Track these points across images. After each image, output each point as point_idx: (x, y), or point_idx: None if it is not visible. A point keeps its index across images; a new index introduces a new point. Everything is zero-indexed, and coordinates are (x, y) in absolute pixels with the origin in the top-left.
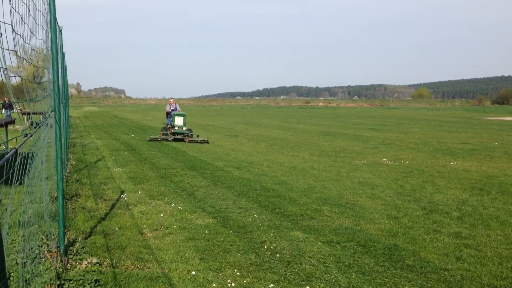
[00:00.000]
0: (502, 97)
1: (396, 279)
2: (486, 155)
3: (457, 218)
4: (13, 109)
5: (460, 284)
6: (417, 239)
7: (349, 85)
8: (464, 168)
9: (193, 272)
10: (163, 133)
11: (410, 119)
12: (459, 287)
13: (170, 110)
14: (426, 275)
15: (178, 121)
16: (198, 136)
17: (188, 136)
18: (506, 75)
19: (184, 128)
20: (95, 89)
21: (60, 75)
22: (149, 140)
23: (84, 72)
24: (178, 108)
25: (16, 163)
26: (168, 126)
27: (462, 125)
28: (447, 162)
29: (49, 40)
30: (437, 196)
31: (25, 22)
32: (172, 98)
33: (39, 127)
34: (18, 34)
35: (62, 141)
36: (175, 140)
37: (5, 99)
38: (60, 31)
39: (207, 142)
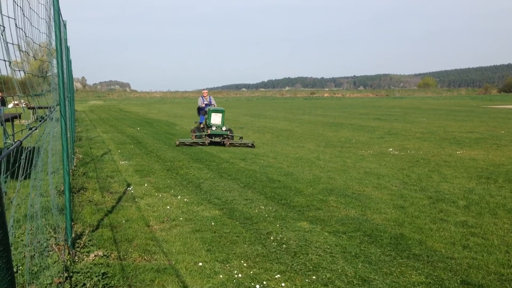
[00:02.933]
0: (508, 85)
1: (402, 268)
2: (492, 143)
3: (464, 207)
4: (5, 105)
5: (466, 272)
6: (424, 228)
7: (354, 76)
8: (470, 157)
9: (200, 264)
10: (195, 135)
11: (416, 108)
12: (465, 276)
13: (204, 105)
14: (433, 264)
15: (216, 119)
16: (240, 138)
17: (228, 138)
18: None
19: (223, 129)
20: (100, 83)
21: (64, 69)
22: (179, 145)
23: (89, 66)
24: (213, 102)
25: (22, 157)
26: (202, 126)
27: (469, 114)
28: (454, 151)
29: (53, 34)
30: (444, 185)
31: (26, 17)
32: (205, 90)
33: (44, 121)
34: (20, 28)
35: (68, 135)
36: (211, 143)
37: None
38: (64, 25)
39: (253, 146)
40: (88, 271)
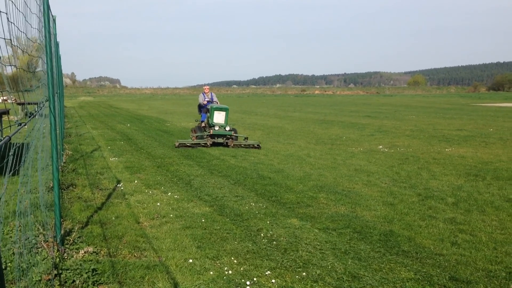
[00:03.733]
0: (497, 83)
1: (391, 264)
2: (481, 141)
3: (452, 204)
4: None
5: (455, 268)
6: (413, 225)
7: (345, 73)
8: (459, 154)
9: (190, 260)
10: (196, 136)
11: (406, 106)
12: (454, 272)
13: (206, 102)
14: (422, 260)
15: (219, 118)
16: (246, 138)
17: (232, 139)
18: (502, 61)
19: (227, 129)
20: (90, 79)
21: (54, 64)
22: (178, 146)
23: (79, 62)
24: (215, 98)
25: (11, 153)
26: (203, 125)
27: (458, 112)
28: (443, 148)
29: (42, 29)
30: (433, 182)
31: (21, 11)
32: (207, 86)
33: (33, 117)
34: (11, 22)
35: (57, 131)
36: (214, 144)
37: None
38: (54, 20)
39: (259, 147)
40: (78, 268)
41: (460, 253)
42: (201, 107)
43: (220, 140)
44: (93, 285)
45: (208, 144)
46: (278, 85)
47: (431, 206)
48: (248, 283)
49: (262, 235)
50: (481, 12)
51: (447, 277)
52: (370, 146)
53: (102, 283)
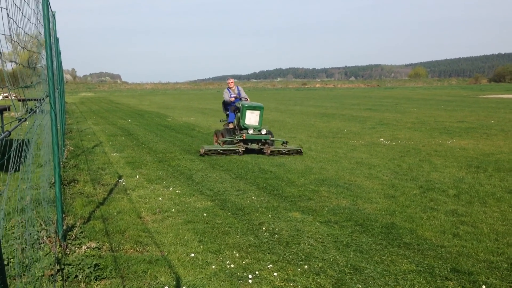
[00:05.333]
0: (498, 75)
1: (393, 256)
2: (482, 133)
3: (454, 196)
4: None
5: (456, 260)
6: (414, 217)
7: (345, 66)
8: (460, 146)
9: (192, 255)
10: (224, 141)
11: (407, 98)
12: (455, 263)
13: (233, 99)
14: (423, 252)
15: (252, 118)
16: (285, 143)
17: (269, 145)
18: (503, 52)
19: (263, 132)
20: (90, 74)
21: (54, 60)
22: (203, 154)
23: (79, 57)
24: (243, 94)
25: (12, 149)
26: (232, 127)
27: (459, 104)
28: (444, 140)
29: (42, 25)
30: (434, 174)
31: (18, 7)
32: (231, 79)
33: (33, 112)
34: (11, 18)
35: (58, 127)
36: (247, 151)
37: None
38: (53, 15)
39: (300, 153)
40: (80, 263)
41: (462, 244)
42: (227, 105)
43: (254, 146)
44: (96, 280)
45: (240, 151)
46: (279, 79)
47: (432, 198)
48: (250, 276)
49: (264, 228)
50: (482, 3)
51: (448, 268)
52: (371, 139)
53: (105, 278)
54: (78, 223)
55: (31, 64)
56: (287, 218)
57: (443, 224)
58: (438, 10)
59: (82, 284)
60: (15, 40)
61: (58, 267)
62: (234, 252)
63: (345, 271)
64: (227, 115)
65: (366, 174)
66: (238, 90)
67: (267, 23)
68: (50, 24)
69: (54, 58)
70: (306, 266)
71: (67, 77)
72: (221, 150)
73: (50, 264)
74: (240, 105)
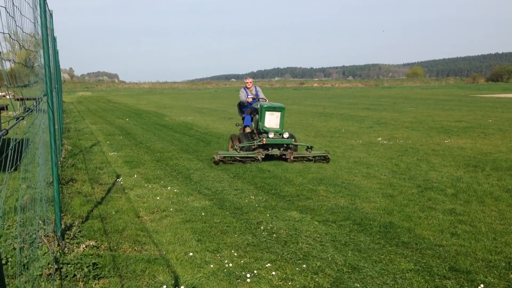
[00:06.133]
0: (496, 74)
1: (391, 255)
2: (480, 132)
3: (452, 195)
4: None
5: (455, 259)
6: (412, 217)
7: (343, 65)
8: (458, 145)
9: (191, 254)
10: (241, 146)
11: (405, 98)
12: (454, 262)
13: (250, 100)
14: (421, 251)
15: (272, 121)
16: (309, 148)
17: (292, 150)
18: (500, 52)
19: (285, 136)
20: (88, 73)
21: (51, 59)
22: (218, 162)
23: (77, 57)
24: (261, 94)
25: (10, 148)
26: (250, 131)
27: (457, 103)
28: (442, 140)
29: (39, 23)
30: (432, 174)
31: (16, 6)
32: (249, 78)
33: (30, 111)
34: (12, 17)
35: (56, 126)
36: (267, 157)
37: None
38: (51, 14)
39: (327, 159)
40: (78, 262)
41: (460, 243)
42: (243, 107)
43: (275, 151)
44: (94, 279)
45: (260, 158)
46: (276, 78)
47: (430, 198)
48: (248, 275)
49: (262, 228)
50: (479, 2)
51: (447, 267)
52: (369, 138)
53: (103, 277)
54: (76, 222)
55: (28, 63)
56: (285, 217)
57: (441, 223)
58: (435, 10)
59: (80, 283)
60: (14, 39)
61: (56, 266)
62: (232, 251)
63: (343, 270)
64: (243, 118)
65: (364, 173)
66: (256, 90)
67: (265, 22)
68: (48, 23)
69: (51, 57)
70: (304, 265)
71: (64, 76)
72: (238, 157)
73: (48, 263)
74: (259, 106)
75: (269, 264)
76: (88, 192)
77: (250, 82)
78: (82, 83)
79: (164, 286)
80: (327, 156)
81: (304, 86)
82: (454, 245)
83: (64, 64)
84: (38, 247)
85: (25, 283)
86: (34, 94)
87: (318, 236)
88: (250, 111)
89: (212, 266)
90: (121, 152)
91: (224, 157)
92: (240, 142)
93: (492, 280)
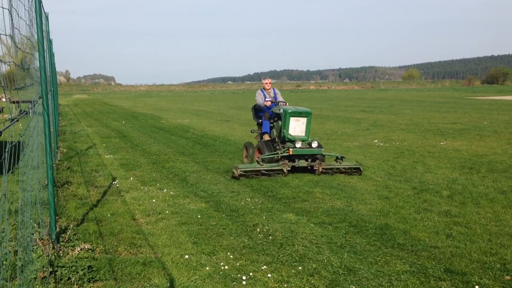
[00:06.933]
0: (491, 76)
1: (387, 257)
2: (475, 134)
3: (447, 197)
4: None
5: (450, 260)
6: (408, 218)
7: (340, 68)
8: (454, 147)
9: (186, 256)
10: (263, 158)
11: (401, 100)
12: (449, 264)
13: (269, 103)
14: (417, 253)
15: (297, 127)
16: (340, 159)
17: (320, 161)
18: (496, 54)
19: (314, 145)
20: (84, 76)
21: (47, 61)
22: (238, 177)
23: (73, 59)
24: (280, 97)
25: (6, 150)
26: (268, 139)
27: (452, 105)
28: (437, 142)
29: (35, 25)
30: (428, 175)
31: (14, 8)
32: (268, 79)
33: (25, 113)
34: (11, 19)
35: (51, 129)
36: (293, 170)
37: None
38: (46, 17)
39: (359, 172)
40: (73, 265)
41: (455, 245)
42: (259, 111)
43: (302, 163)
44: (89, 282)
45: (285, 170)
46: (273, 81)
47: (426, 199)
48: (244, 278)
49: (258, 230)
50: (475, 5)
51: (442, 269)
52: (365, 141)
53: (98, 280)
54: (71, 225)
55: (24, 66)
56: (281, 220)
57: (436, 225)
58: (431, 12)
59: (75, 286)
60: (11, 41)
61: (51, 269)
62: (228, 253)
63: (339, 272)
64: (259, 124)
65: (360, 175)
66: (274, 93)
67: (262, 25)
68: (43, 26)
69: (47, 60)
70: (300, 267)
71: (60, 79)
72: (262, 170)
73: (43, 266)
74: (281, 111)
75: (265, 267)
76: (84, 195)
77: (269, 83)
78: (78, 85)
79: None
80: (359, 167)
81: (300, 89)
82: (449, 247)
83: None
84: (32, 250)
85: (20, 286)
86: (30, 96)
87: (314, 238)
88: (269, 116)
89: (207, 268)
90: (117, 154)
91: (246, 171)
92: (260, 153)
93: (487, 282)
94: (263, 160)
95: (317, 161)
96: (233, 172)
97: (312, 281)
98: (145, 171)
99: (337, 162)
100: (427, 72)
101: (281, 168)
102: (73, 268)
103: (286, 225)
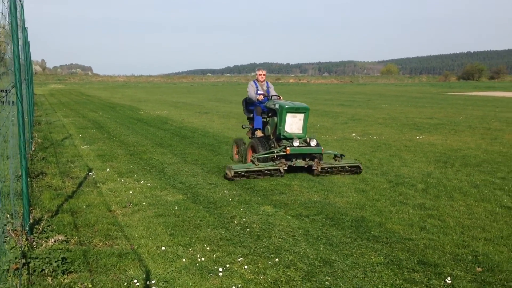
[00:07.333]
0: (467, 72)
1: (362, 249)
2: (450, 129)
3: (422, 190)
4: None
5: (423, 252)
6: (384, 211)
7: (319, 62)
8: (429, 142)
9: (163, 248)
10: (258, 157)
11: (379, 95)
12: (422, 256)
13: (262, 97)
14: (391, 245)
15: (294, 124)
16: (338, 157)
17: (319, 160)
18: (472, 51)
19: (312, 143)
20: (60, 66)
21: (21, 50)
22: (232, 178)
23: (49, 48)
24: (272, 91)
25: None
26: (261, 135)
27: (429, 101)
28: (414, 136)
29: (9, 13)
30: (403, 169)
31: None
32: (263, 70)
33: None
34: None
35: (26, 119)
36: (290, 169)
37: None
38: (21, 5)
39: (359, 170)
40: (47, 257)
41: (429, 237)
42: (250, 105)
43: (300, 162)
44: (63, 274)
45: (282, 170)
46: (253, 74)
47: (401, 193)
48: (220, 269)
49: (235, 222)
50: (452, 3)
51: (415, 261)
52: (343, 134)
53: (72, 272)
54: (45, 217)
55: None
56: (259, 212)
57: (411, 218)
58: (410, 9)
59: (48, 278)
60: None
61: (24, 261)
62: (205, 245)
63: (315, 263)
64: (250, 119)
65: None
66: (268, 86)
67: (242, 18)
68: (18, 14)
69: (21, 48)
70: (276, 259)
71: (36, 68)
72: (255, 170)
73: (16, 258)
74: (276, 106)
75: (241, 258)
76: (59, 186)
77: (263, 75)
78: (54, 75)
79: (135, 281)
80: (359, 165)
81: (280, 82)
82: (423, 239)
83: (35, 56)
84: (5, 241)
85: None
86: (3, 85)
87: (291, 230)
88: (261, 110)
89: (184, 260)
90: (93, 145)
91: (239, 171)
92: (254, 151)
93: (459, 273)
94: (258, 160)
95: (315, 160)
96: (226, 173)
97: (288, 273)
98: (122, 163)
99: (336, 160)
100: (405, 67)
101: (277, 167)
102: (47, 259)
103: (264, 217)
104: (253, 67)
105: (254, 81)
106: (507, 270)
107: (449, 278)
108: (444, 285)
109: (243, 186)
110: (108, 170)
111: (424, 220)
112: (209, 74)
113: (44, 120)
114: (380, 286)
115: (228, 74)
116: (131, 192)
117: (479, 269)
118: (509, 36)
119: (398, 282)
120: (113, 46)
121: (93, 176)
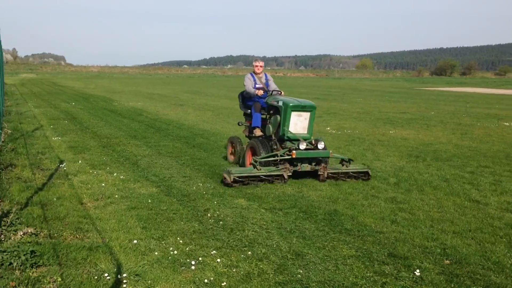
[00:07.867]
0: (440, 68)
1: (334, 242)
2: (423, 124)
3: (394, 184)
4: None
5: (394, 245)
6: (356, 205)
7: (296, 55)
8: (402, 136)
9: (135, 241)
10: (260, 160)
11: (354, 89)
12: (392, 249)
13: (261, 92)
14: (363, 238)
15: (299, 124)
16: (347, 162)
17: (325, 165)
18: (445, 47)
19: (320, 146)
20: (32, 55)
21: None
22: (232, 183)
23: (20, 37)
24: (273, 84)
25: None
26: (260, 134)
27: (402, 96)
28: (387, 130)
29: None
30: (376, 163)
31: None
32: (260, 61)
33: None
34: None
35: None
36: (295, 175)
37: None
38: None
39: (367, 177)
40: (15, 250)
41: (399, 230)
42: (248, 100)
43: (305, 167)
44: (32, 267)
45: (286, 176)
46: (229, 66)
47: (374, 186)
48: (193, 263)
49: (209, 215)
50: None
51: (386, 253)
52: (318, 128)
53: (41, 265)
54: (14, 209)
55: None
56: (233, 205)
57: (382, 211)
58: (385, 4)
59: (17, 271)
60: None
61: None
62: (178, 238)
63: (287, 256)
64: (247, 115)
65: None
66: (266, 79)
67: (219, 10)
68: None
69: None
70: (249, 252)
71: (7, 57)
72: (257, 175)
73: None
74: (280, 104)
75: (214, 251)
76: (29, 178)
77: (261, 67)
78: (26, 64)
79: (106, 274)
80: (368, 171)
81: None
82: (393, 232)
83: (6, 44)
84: None
85: None
86: None
87: (264, 223)
88: (260, 107)
89: (156, 253)
90: (65, 137)
91: (241, 177)
92: (254, 153)
93: (427, 266)
94: (261, 163)
95: (322, 164)
96: (225, 178)
97: (261, 266)
98: (95, 154)
99: (343, 165)
100: (379, 62)
101: (280, 173)
102: (15, 253)
103: (237, 210)
104: (229, 60)
105: (251, 74)
106: (474, 263)
107: (418, 271)
108: (413, 277)
109: (217, 179)
110: (80, 162)
111: (395, 214)
112: (185, 66)
113: (15, 110)
114: (351, 279)
115: (204, 66)
116: (103, 184)
117: (447, 261)
118: (480, 33)
119: (368, 274)
120: (87, 35)
121: (65, 168)
